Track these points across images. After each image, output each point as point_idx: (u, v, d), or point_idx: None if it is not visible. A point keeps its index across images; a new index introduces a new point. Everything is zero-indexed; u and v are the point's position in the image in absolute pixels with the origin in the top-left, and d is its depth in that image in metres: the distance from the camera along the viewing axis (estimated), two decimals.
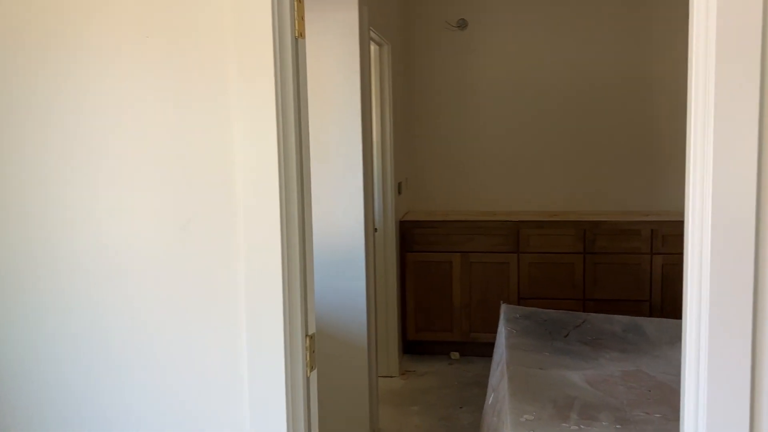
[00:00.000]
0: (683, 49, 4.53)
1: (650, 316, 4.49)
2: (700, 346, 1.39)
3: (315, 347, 1.59)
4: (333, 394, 3.29)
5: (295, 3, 1.49)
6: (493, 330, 4.64)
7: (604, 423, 2.26)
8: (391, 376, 4.39)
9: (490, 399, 2.76)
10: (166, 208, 1.51)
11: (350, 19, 3.33)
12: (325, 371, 3.55)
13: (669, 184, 4.97)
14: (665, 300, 4.49)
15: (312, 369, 1.58)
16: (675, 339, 3.15)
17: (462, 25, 5.05)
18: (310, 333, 1.58)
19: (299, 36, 1.52)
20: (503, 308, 3.54)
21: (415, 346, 4.82)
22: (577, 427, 2.23)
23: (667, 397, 2.50)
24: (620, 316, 3.46)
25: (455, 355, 4.76)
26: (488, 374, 4.46)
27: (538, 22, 4.98)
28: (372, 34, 3.78)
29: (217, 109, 1.49)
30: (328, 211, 3.44)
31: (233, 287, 1.48)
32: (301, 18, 1.52)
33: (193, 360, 1.52)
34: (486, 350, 4.63)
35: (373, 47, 4.07)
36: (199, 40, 1.49)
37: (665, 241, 4.47)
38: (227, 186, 1.49)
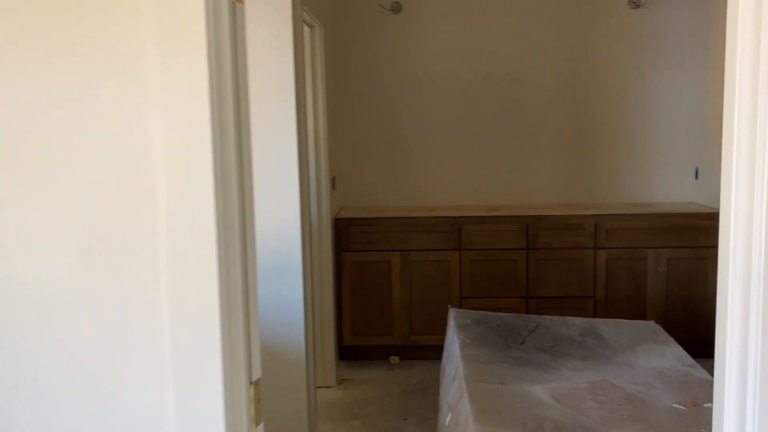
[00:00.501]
0: (623, 41, 4.36)
1: (594, 312, 4.36)
2: (748, 354, 1.13)
3: (261, 395, 1.26)
4: (267, 414, 2.95)
5: None
6: (435, 332, 4.41)
7: None
8: (328, 387, 4.07)
9: (447, 419, 2.49)
10: (65, 227, 1.13)
11: None
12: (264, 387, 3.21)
13: (609, 176, 4.85)
14: (609, 296, 4.36)
15: (258, 423, 1.24)
16: (634, 343, 2.98)
17: (396, 8, 4.75)
18: (254, 379, 1.25)
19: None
20: (452, 313, 3.28)
21: (351, 351, 4.52)
22: None
23: (640, 412, 2.30)
24: (574, 318, 3.27)
25: (395, 359, 4.49)
26: (432, 379, 4.24)
27: (476, 7, 4.74)
28: (304, 15, 3.43)
29: (130, 94, 1.12)
30: (260, 210, 3.07)
31: (154, 331, 1.13)
32: None
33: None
34: (428, 353, 4.39)
35: (305, 29, 3.71)
36: (100, 4, 1.12)
37: (609, 235, 4.34)
38: (144, 194, 1.13)
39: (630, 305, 4.36)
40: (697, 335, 4.36)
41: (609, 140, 4.82)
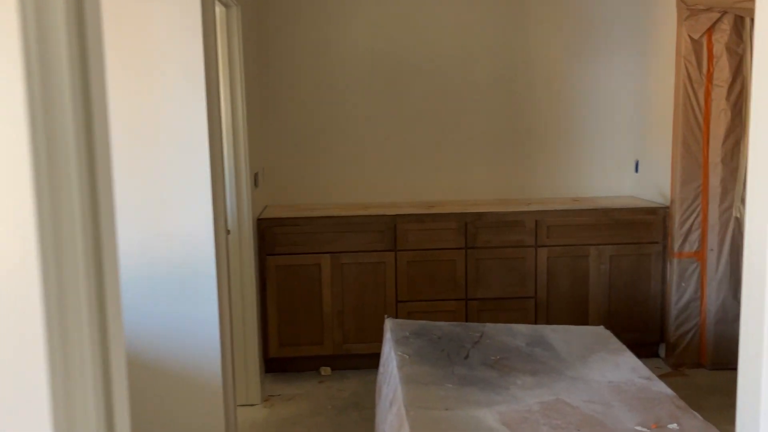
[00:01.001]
0: (560, 29, 4.11)
1: (536, 313, 4.14)
2: None
3: None
4: None
5: None
6: (370, 339, 4.09)
7: None
8: (252, 405, 3.69)
9: None
10: None
11: None
12: (172, 416, 2.81)
13: (548, 170, 4.64)
14: (550, 296, 4.15)
15: None
16: (586, 352, 2.74)
17: None
18: None
19: None
20: (388, 324, 2.97)
21: (278, 364, 4.15)
22: None
23: None
24: (520, 325, 3.02)
25: (326, 370, 4.15)
26: (366, 391, 3.93)
27: None
28: None
29: None
30: (162, 211, 2.68)
31: None
32: None
33: None
34: (362, 362, 4.08)
35: (218, 8, 3.31)
36: None
37: (550, 232, 4.12)
38: None
39: (572, 305, 4.17)
40: (640, 335, 4.21)
41: (547, 132, 4.61)
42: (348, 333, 4.09)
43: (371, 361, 4.10)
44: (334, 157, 4.53)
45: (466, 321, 4.12)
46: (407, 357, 2.58)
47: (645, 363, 4.20)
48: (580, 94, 4.59)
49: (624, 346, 2.85)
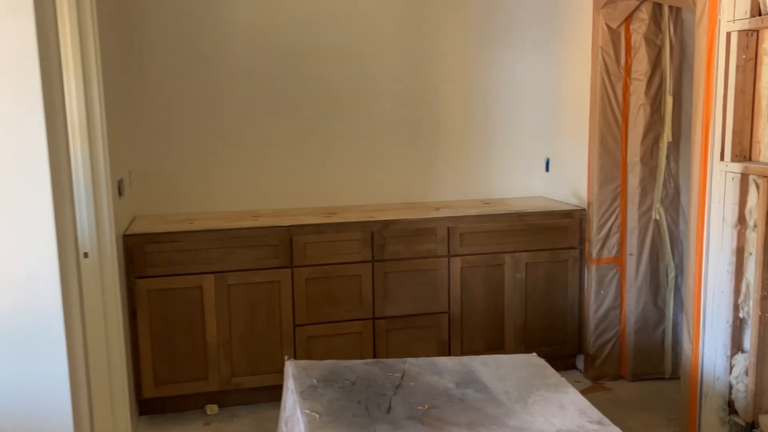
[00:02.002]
0: (466, 22, 3.70)
1: (449, 329, 3.75)
2: None
3: None
4: None
5: None
6: (264, 370, 3.53)
7: None
8: None
9: None
10: None
11: None
12: None
13: (456, 171, 4.25)
14: (465, 310, 3.76)
15: None
16: (524, 391, 2.34)
17: None
18: None
19: None
20: (290, 369, 2.44)
21: (155, 405, 3.51)
22: None
23: None
24: (444, 359, 2.58)
25: (213, 408, 3.55)
26: None
27: None
28: None
29: None
30: None
31: None
32: None
33: None
34: (254, 396, 3.54)
35: None
36: None
37: (463, 240, 3.73)
38: None
39: (487, 319, 3.80)
40: (558, 348, 3.92)
41: (455, 130, 4.22)
42: (237, 365, 3.51)
43: (265, 395, 3.56)
44: (217, 157, 3.91)
45: (374, 342, 3.65)
46: (317, 417, 2.06)
47: (564, 376, 3.95)
48: (489, 89, 4.22)
49: (563, 379, 2.49)
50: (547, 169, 4.30)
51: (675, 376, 3.85)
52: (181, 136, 3.86)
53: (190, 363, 3.46)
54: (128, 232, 3.37)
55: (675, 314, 3.81)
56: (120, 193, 3.33)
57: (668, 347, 3.84)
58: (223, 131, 3.90)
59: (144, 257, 3.35)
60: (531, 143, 4.32)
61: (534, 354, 2.68)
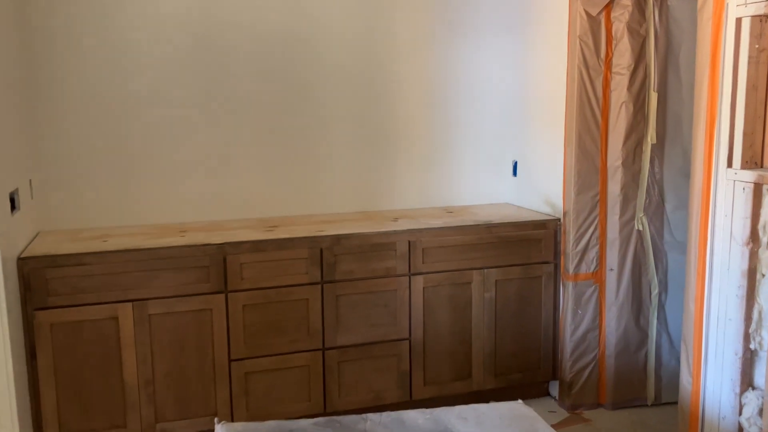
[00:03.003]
0: (424, 12, 3.09)
1: (411, 359, 3.28)
2: None
3: None
4: None
5: None
6: (194, 413, 2.99)
7: None
8: None
9: None
10: None
11: None
12: None
13: (414, 175, 3.79)
14: (428, 335, 3.30)
15: None
16: None
17: None
18: None
19: None
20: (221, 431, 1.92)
21: None
22: None
23: None
24: (414, 414, 2.10)
25: None
26: None
27: None
28: None
29: None
30: None
31: None
32: None
33: None
34: None
35: None
36: None
37: (426, 255, 3.26)
38: None
39: (453, 345, 3.35)
40: (530, 375, 3.50)
41: (412, 130, 3.75)
42: (162, 408, 2.96)
43: None
44: (136, 162, 3.34)
45: (324, 376, 3.15)
46: None
47: (536, 405, 3.54)
48: (451, 81, 3.77)
49: None
50: (515, 173, 3.87)
51: (658, 402, 3.48)
52: (93, 137, 3.27)
53: (105, 408, 2.89)
54: (25, 254, 2.77)
55: (659, 334, 3.44)
56: (13, 206, 2.73)
57: (651, 371, 3.47)
58: (143, 131, 3.33)
59: (45, 284, 2.76)
60: (497, 144, 3.89)
61: (519, 401, 2.24)
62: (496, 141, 3.88)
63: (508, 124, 3.86)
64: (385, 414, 2.06)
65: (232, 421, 3.03)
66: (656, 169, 3.31)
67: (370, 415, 2.05)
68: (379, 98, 3.66)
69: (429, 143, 3.78)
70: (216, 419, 2.11)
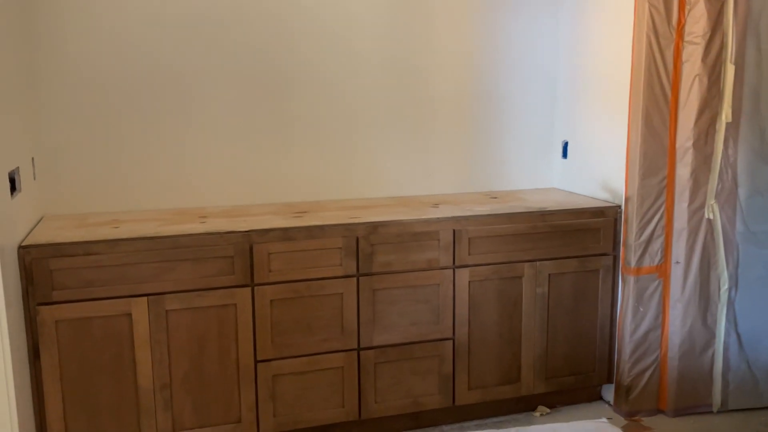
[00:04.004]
0: None
1: (454, 361, 2.95)
2: None
3: None
4: None
5: None
6: (216, 420, 2.68)
7: None
8: None
9: None
10: None
11: None
12: None
13: (454, 157, 3.44)
14: (473, 335, 2.97)
15: None
16: None
17: None
18: None
19: None
20: None
21: None
22: None
23: None
24: None
25: None
26: None
27: None
28: None
29: None
30: None
31: None
32: None
33: None
34: None
35: None
36: None
37: (472, 246, 2.93)
38: None
39: (501, 346, 3.02)
40: (583, 379, 3.17)
41: (452, 108, 3.40)
42: (180, 415, 2.64)
43: None
44: (152, 140, 3.01)
45: (359, 378, 2.84)
46: None
47: (590, 410, 3.22)
48: (491, 58, 3.41)
49: None
50: (565, 154, 3.52)
51: (725, 409, 3.15)
52: (104, 112, 2.94)
53: (117, 414, 2.58)
54: (26, 243, 2.45)
55: (727, 334, 3.10)
56: (14, 187, 2.41)
57: (717, 374, 3.13)
58: (158, 107, 2.99)
59: (49, 276, 2.45)
60: (544, 123, 3.54)
61: (604, 419, 1.91)
62: (544, 119, 3.53)
63: (558, 100, 3.51)
64: (444, 428, 1.73)
65: (258, 427, 2.73)
66: (730, 151, 2.96)
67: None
68: (415, 75, 3.31)
69: (469, 122, 3.43)
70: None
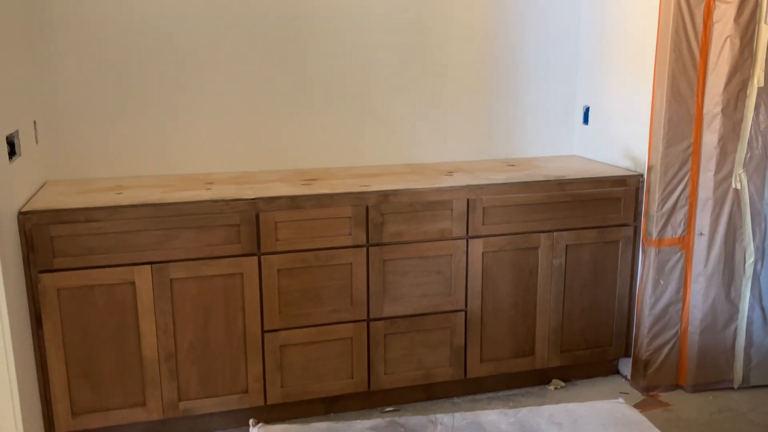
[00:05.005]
0: None
1: (466, 332, 2.87)
2: None
3: None
4: None
5: None
6: (223, 391, 2.63)
7: None
8: None
9: None
10: None
11: None
12: None
13: (467, 122, 3.32)
14: (486, 307, 2.88)
15: None
16: None
17: None
18: None
19: None
20: None
21: None
22: None
23: None
24: (494, 414, 1.69)
25: None
26: None
27: None
28: None
29: None
30: None
31: None
32: None
33: None
34: (209, 425, 2.66)
35: None
36: None
37: (487, 215, 2.82)
38: None
39: (514, 319, 2.93)
40: (600, 352, 3.09)
41: (466, 72, 3.26)
42: (186, 385, 2.60)
43: (225, 421, 2.69)
44: (157, 103, 2.91)
45: (369, 350, 2.77)
46: None
47: (605, 384, 3.14)
48: (508, 17, 3.26)
49: None
50: (586, 120, 3.38)
51: (746, 385, 3.05)
52: (108, 74, 2.84)
53: (122, 385, 2.54)
54: (27, 209, 2.39)
55: (751, 309, 2.99)
56: (13, 151, 2.33)
57: (740, 350, 3.03)
58: (166, 70, 2.89)
59: (50, 243, 2.38)
60: (565, 87, 3.39)
61: (620, 400, 1.81)
62: (564, 83, 3.39)
63: (579, 63, 3.36)
64: (458, 416, 1.65)
65: (265, 398, 2.68)
66: (761, 118, 2.81)
67: (441, 417, 1.65)
68: (428, 36, 3.17)
69: (486, 86, 3.30)
70: (252, 421, 1.72)
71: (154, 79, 2.88)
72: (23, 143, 2.46)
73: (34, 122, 2.69)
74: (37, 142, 2.71)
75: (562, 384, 3.10)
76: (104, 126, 2.87)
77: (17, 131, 2.40)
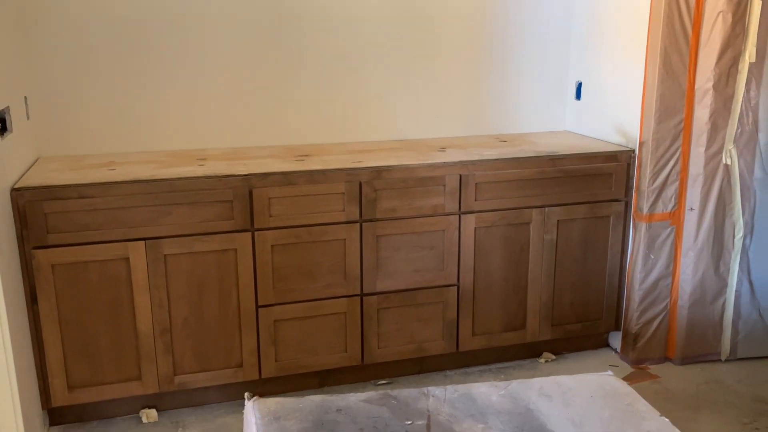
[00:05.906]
0: None
1: (458, 306, 2.91)
2: None
3: None
4: None
5: None
6: (217, 365, 2.66)
7: None
8: None
9: None
10: None
11: None
12: None
13: (459, 98, 3.31)
14: (478, 282, 2.91)
15: None
16: None
17: None
18: None
19: None
20: (252, 414, 1.56)
21: (72, 413, 2.62)
22: None
23: None
24: (486, 387, 1.73)
25: (150, 414, 2.68)
26: None
27: None
28: None
29: None
30: None
31: None
32: None
33: None
34: (204, 398, 2.69)
35: None
36: None
37: (479, 191, 2.84)
38: None
39: (506, 293, 2.96)
40: (591, 326, 3.13)
41: (457, 47, 3.25)
42: (181, 359, 2.63)
43: (219, 395, 2.73)
44: (146, 78, 2.90)
45: (362, 324, 2.80)
46: None
47: (595, 357, 3.19)
48: None
49: (666, 421, 1.66)
50: (578, 96, 3.38)
51: (733, 357, 3.11)
52: (100, 49, 2.82)
53: (117, 360, 2.56)
54: (19, 185, 2.39)
55: (739, 283, 3.03)
56: (5, 128, 2.33)
57: (728, 323, 3.08)
58: (159, 46, 2.87)
59: (43, 219, 2.39)
60: (557, 62, 3.39)
61: (609, 373, 1.85)
62: (557, 58, 3.38)
63: (572, 37, 3.35)
64: (450, 388, 1.69)
65: (260, 372, 2.71)
66: (752, 94, 2.82)
67: (433, 389, 1.68)
68: (420, 11, 3.16)
69: (478, 62, 3.29)
70: (247, 395, 1.75)
71: (148, 55, 2.87)
72: (15, 119, 2.45)
73: (25, 98, 2.68)
74: (28, 119, 2.70)
75: (553, 357, 3.14)
76: (96, 102, 2.86)
77: (8, 107, 2.39)
